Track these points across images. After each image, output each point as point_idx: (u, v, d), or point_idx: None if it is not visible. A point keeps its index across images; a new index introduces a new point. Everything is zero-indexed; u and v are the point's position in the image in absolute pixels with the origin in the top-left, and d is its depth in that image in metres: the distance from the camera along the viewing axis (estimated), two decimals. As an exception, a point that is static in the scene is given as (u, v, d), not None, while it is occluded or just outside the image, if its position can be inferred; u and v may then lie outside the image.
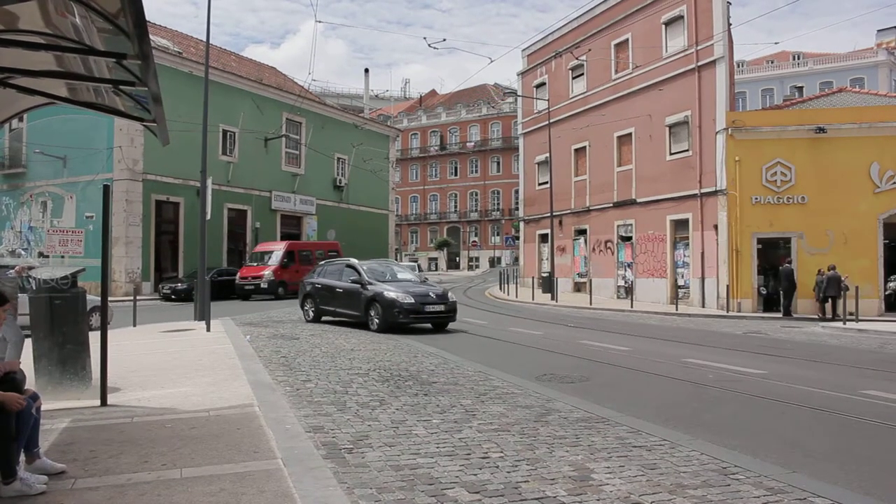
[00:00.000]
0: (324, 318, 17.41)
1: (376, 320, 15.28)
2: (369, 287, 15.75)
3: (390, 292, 15.34)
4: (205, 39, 19.19)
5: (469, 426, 6.26)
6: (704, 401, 8.13)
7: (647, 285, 27.63)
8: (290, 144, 39.04)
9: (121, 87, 5.32)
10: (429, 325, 15.99)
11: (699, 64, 25.37)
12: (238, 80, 35.36)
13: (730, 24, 26.02)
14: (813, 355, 12.55)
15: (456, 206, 76.51)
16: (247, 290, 29.16)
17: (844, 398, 8.23)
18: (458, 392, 7.92)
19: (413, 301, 15.14)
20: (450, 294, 16.56)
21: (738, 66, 53.29)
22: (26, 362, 6.59)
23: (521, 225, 39.83)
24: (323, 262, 18.83)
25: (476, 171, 74.76)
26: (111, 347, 7.02)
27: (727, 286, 22.85)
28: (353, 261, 17.48)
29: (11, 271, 8.98)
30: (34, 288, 7.48)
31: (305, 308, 17.92)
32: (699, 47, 25.41)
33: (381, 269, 17.16)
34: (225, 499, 4.11)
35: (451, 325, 16.22)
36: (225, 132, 33.99)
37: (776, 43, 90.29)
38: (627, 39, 29.49)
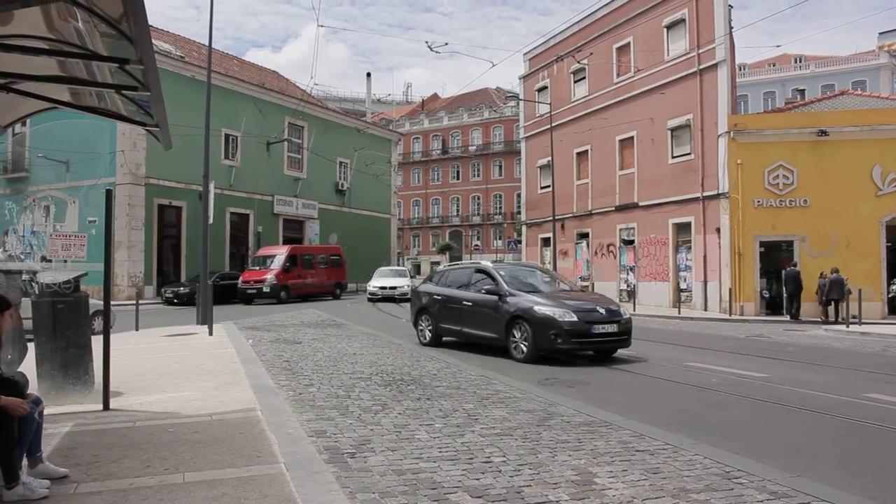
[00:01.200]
0: (446, 340, 13.72)
1: (523, 346, 11.44)
2: (510, 299, 11.86)
3: (543, 307, 11.42)
4: (207, 43, 19.25)
5: (471, 430, 6.25)
6: (707, 404, 8.11)
7: (650, 289, 27.60)
8: (293, 148, 39.12)
9: (123, 91, 5.33)
10: (590, 352, 11.97)
11: (701, 67, 25.40)
12: (240, 84, 35.45)
13: (731, 28, 26.07)
14: (816, 359, 12.53)
15: (458, 210, 76.47)
16: (249, 294, 29.22)
17: (848, 402, 8.20)
18: (460, 396, 7.92)
19: (576, 319, 11.14)
20: (622, 308, 12.27)
21: (740, 70, 53.29)
22: (29, 366, 6.61)
23: (524, 228, 39.83)
24: (443, 267, 15.14)
25: (478, 175, 74.74)
26: (114, 352, 7.03)
27: (729, 289, 22.83)
28: (486, 264, 13.81)
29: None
30: (37, 292, 7.49)
31: (420, 327, 14.11)
32: (701, 51, 25.44)
33: (524, 276, 13.19)
34: (227, 503, 4.11)
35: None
36: (227, 136, 34.07)
37: (778, 46, 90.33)
38: (629, 43, 29.53)
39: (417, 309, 14.33)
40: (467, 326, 12.83)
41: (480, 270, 13.22)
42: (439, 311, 13.50)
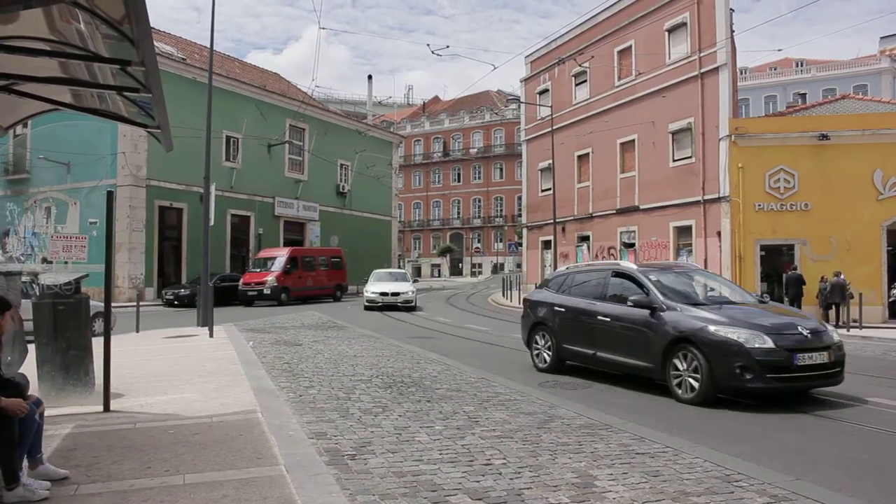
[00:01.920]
0: (570, 363, 10.79)
1: (691, 381, 8.33)
2: (668, 315, 8.85)
3: (720, 326, 8.32)
4: (208, 45, 19.27)
5: (472, 433, 6.25)
6: (707, 407, 8.10)
7: (650, 292, 27.54)
8: (294, 150, 39.15)
9: (125, 93, 5.34)
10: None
11: (702, 71, 25.40)
12: (241, 86, 35.49)
13: (732, 31, 26.08)
14: (817, 362, 12.48)
15: (459, 213, 76.54)
16: (250, 296, 29.22)
17: (849, 405, 8.20)
18: (460, 398, 7.91)
19: (772, 346, 7.99)
20: (829, 328, 8.98)
21: (741, 73, 53.34)
22: (29, 368, 6.61)
23: (524, 231, 39.82)
24: (565, 268, 12.17)
25: (479, 178, 74.84)
26: (114, 353, 7.03)
27: (730, 293, 22.79)
28: (629, 266, 10.60)
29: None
30: (38, 293, 7.50)
31: (535, 347, 11.27)
32: (702, 54, 25.44)
33: (682, 282, 9.96)
34: (227, 505, 4.11)
35: (446, 325, 15.76)
36: (228, 138, 34.11)
37: (779, 50, 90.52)
38: (630, 46, 29.55)
39: (531, 324, 11.45)
40: (604, 350, 9.82)
41: (621, 274, 10.19)
42: (562, 328, 10.70)
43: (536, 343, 11.25)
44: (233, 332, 15.32)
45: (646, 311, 9.13)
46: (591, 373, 10.44)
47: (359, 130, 45.40)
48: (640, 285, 9.55)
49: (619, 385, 9.57)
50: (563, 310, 10.73)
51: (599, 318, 9.91)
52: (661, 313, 8.92)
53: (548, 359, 10.92)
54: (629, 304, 9.40)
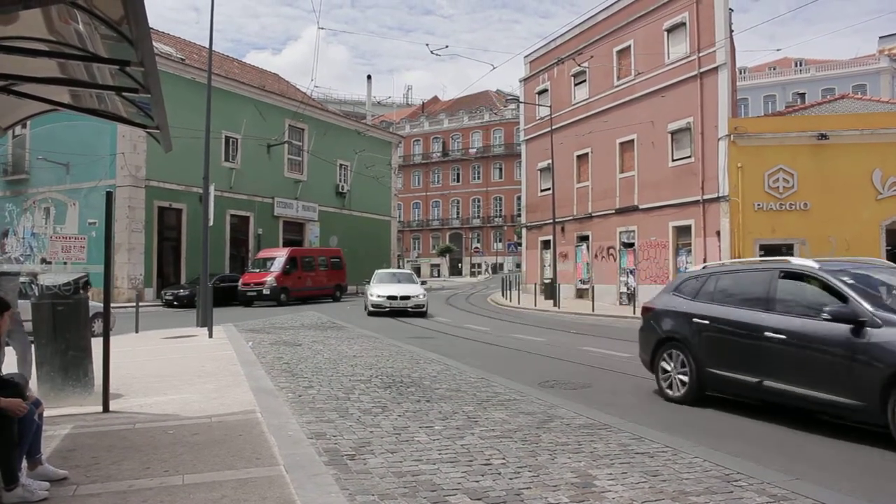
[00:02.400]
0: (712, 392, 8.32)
1: None
2: (886, 333, 6.26)
3: None
4: (207, 46, 19.26)
5: (471, 433, 6.24)
6: (707, 408, 8.10)
7: (650, 291, 27.38)
8: (293, 151, 39.16)
9: (124, 93, 5.34)
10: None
11: (701, 70, 25.42)
12: (241, 86, 35.48)
13: (732, 31, 26.11)
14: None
15: (458, 213, 76.58)
16: (249, 297, 29.20)
17: (848, 405, 8.18)
18: (460, 398, 7.91)
19: None
20: None
21: (740, 73, 53.36)
22: (29, 368, 6.62)
23: (524, 231, 39.84)
24: (701, 268, 9.32)
25: (478, 178, 74.87)
26: (113, 354, 7.03)
27: (730, 292, 22.79)
28: (807, 264, 7.53)
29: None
30: (37, 294, 7.49)
31: (665, 371, 8.68)
32: (701, 54, 25.46)
33: (888, 285, 7.10)
34: (226, 505, 4.11)
35: (446, 325, 15.69)
36: (227, 139, 34.10)
37: (778, 50, 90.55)
38: (630, 46, 29.56)
39: (658, 340, 8.88)
40: (776, 378, 7.18)
41: (795, 275, 7.55)
42: (705, 346, 8.13)
43: (665, 363, 8.71)
44: (232, 333, 15.31)
45: (845, 327, 6.56)
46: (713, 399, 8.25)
47: (358, 130, 45.40)
48: (831, 290, 6.98)
49: (622, 386, 9.57)
50: (706, 322, 8.17)
51: (767, 334, 7.28)
52: (874, 330, 6.35)
53: (681, 385, 8.39)
54: (824, 316, 6.75)
